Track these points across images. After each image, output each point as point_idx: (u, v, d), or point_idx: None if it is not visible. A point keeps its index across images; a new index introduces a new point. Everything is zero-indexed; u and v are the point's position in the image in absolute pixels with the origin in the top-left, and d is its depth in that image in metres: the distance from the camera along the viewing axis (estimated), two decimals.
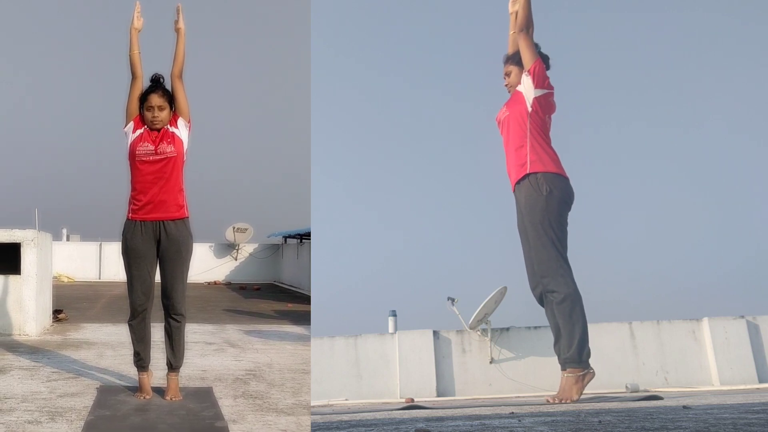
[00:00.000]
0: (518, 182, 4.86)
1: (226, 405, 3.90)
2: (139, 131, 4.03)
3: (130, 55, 4.12)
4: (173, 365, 4.11)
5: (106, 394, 4.12)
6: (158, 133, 4.02)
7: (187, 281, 4.18)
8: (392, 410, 4.29)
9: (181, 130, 4.07)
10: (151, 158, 3.98)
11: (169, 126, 4.04)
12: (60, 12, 33.98)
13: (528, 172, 4.78)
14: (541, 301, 4.79)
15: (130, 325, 4.12)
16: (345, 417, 3.82)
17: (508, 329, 5.88)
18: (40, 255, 7.02)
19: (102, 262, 18.58)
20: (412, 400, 5.36)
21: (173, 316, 4.08)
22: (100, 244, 18.74)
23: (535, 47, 4.96)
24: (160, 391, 4.10)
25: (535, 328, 5.83)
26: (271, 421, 3.59)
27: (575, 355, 4.55)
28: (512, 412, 3.59)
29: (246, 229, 18.94)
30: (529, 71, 4.88)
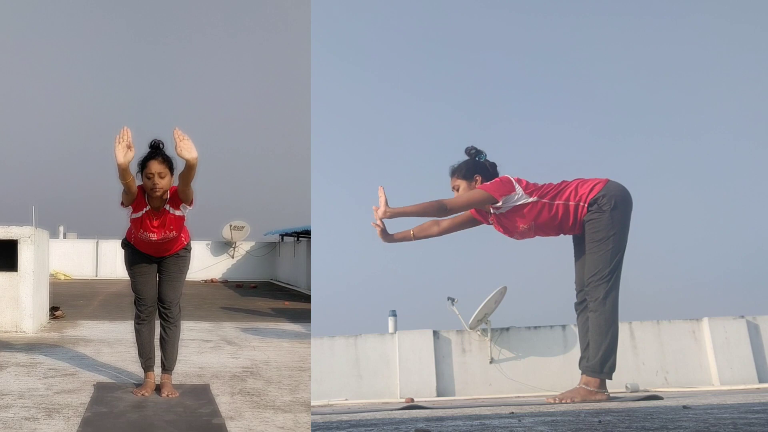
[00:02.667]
0: (583, 222, 4.62)
1: (224, 402, 3.89)
2: (138, 214, 3.91)
3: (123, 183, 3.76)
4: (166, 366, 4.18)
5: (103, 390, 4.10)
6: (159, 214, 3.91)
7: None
8: (392, 410, 4.27)
9: (183, 211, 4.00)
10: (153, 239, 3.99)
11: (171, 208, 3.93)
12: (57, 6, 33.93)
13: (585, 214, 4.55)
14: (577, 307, 4.70)
15: (138, 328, 4.17)
16: (345, 417, 3.81)
17: (508, 329, 5.85)
18: (37, 252, 6.99)
19: (99, 260, 18.55)
20: (412, 400, 5.33)
21: (168, 320, 4.18)
22: (97, 242, 18.71)
23: (468, 174, 4.64)
24: (156, 389, 4.09)
25: (535, 328, 5.81)
26: (269, 418, 3.58)
27: (597, 365, 4.44)
28: (512, 412, 3.57)
29: (243, 227, 18.92)
30: (498, 201, 4.54)
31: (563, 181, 4.73)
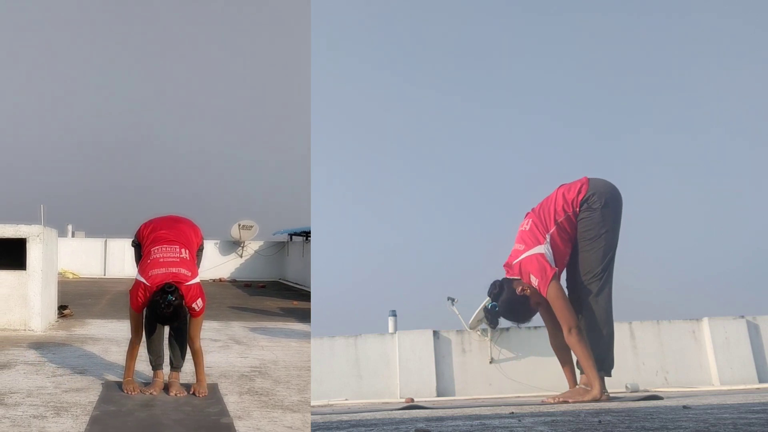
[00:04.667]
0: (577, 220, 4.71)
1: (232, 401, 3.94)
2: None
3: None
4: (174, 365, 4.20)
5: (112, 389, 4.16)
6: None
7: None
8: (392, 410, 4.32)
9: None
10: None
11: None
12: (65, 6, 34.05)
13: (579, 213, 4.66)
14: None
15: (146, 330, 4.21)
16: (345, 417, 3.86)
17: (508, 329, 5.88)
18: (46, 251, 7.06)
19: (107, 259, 18.62)
20: (412, 400, 5.38)
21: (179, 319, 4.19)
22: (105, 241, 18.79)
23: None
24: (164, 388, 4.15)
25: (535, 328, 5.82)
26: (277, 417, 3.62)
27: (597, 362, 4.51)
28: (512, 412, 3.61)
29: (251, 227, 18.95)
30: (558, 268, 4.62)
31: (545, 200, 4.80)
